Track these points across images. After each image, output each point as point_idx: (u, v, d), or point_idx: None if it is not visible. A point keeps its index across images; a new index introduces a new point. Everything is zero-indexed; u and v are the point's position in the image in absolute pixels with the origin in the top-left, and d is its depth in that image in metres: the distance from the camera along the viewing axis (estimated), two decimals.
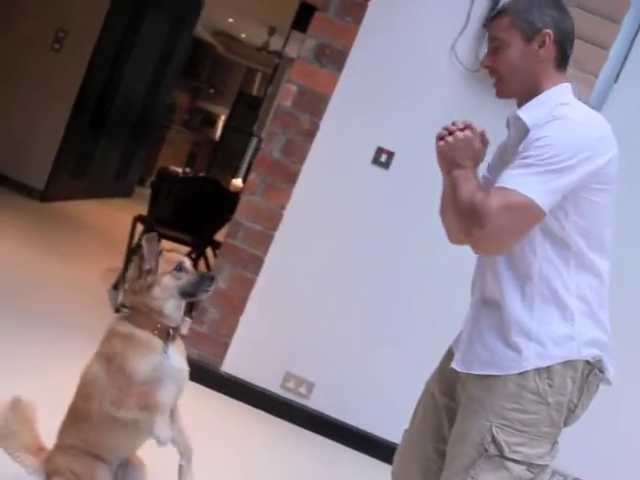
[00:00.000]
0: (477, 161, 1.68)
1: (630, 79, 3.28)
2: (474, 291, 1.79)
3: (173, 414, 1.96)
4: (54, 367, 3.17)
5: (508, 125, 1.75)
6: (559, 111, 1.59)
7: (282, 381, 3.56)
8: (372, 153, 3.47)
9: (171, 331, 1.96)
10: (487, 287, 1.72)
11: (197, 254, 4.95)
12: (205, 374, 3.47)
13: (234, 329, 3.56)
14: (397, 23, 3.46)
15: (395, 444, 3.52)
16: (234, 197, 4.64)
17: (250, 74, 12.39)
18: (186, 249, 5.33)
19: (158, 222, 4.65)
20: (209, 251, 5.14)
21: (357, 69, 3.47)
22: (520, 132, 1.66)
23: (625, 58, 3.21)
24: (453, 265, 3.48)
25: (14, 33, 6.26)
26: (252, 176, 3.58)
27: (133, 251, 4.70)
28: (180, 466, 1.92)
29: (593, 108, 3.25)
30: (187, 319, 3.78)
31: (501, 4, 1.75)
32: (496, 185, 1.58)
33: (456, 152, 1.67)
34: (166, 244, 5.14)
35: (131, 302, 2.00)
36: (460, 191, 1.63)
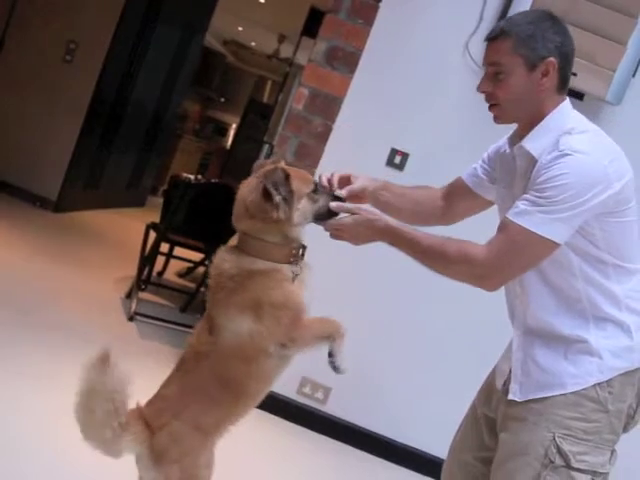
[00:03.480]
0: (380, 227, 1.69)
1: None
2: (515, 323, 1.75)
3: None
4: (69, 379, 3.14)
5: (510, 150, 1.72)
6: (565, 143, 1.54)
7: (298, 386, 3.52)
8: (386, 155, 3.44)
9: (302, 251, 1.80)
10: (531, 317, 1.69)
11: (211, 260, 4.93)
12: None
13: None
14: (409, 23, 3.43)
15: (411, 447, 3.51)
16: None
17: (260, 82, 12.40)
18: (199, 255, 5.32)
19: (171, 229, 4.63)
20: None
21: (369, 71, 3.44)
22: (527, 161, 1.63)
23: None
24: None
25: (25, 45, 6.29)
26: None
27: (146, 259, 4.68)
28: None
29: (611, 103, 3.22)
30: None
31: (499, 24, 1.66)
32: (505, 222, 1.58)
33: (359, 238, 1.73)
34: (178, 251, 5.16)
35: (256, 231, 1.75)
36: (433, 252, 1.64)
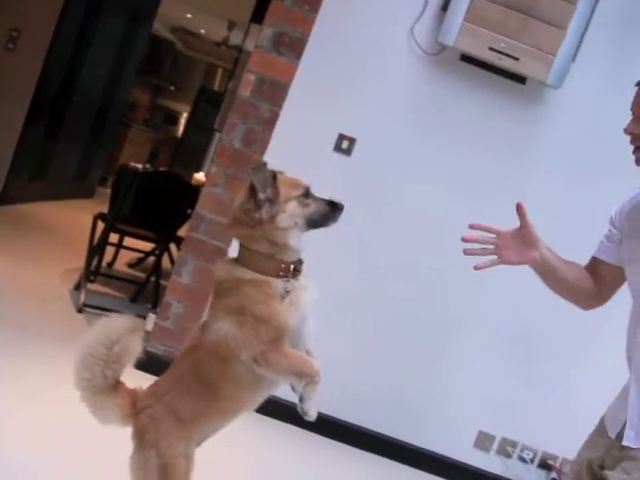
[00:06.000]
0: None
1: (587, 58, 3.30)
2: (633, 367, 1.68)
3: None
4: (23, 373, 3.08)
5: None
6: None
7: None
8: (334, 140, 3.44)
9: (296, 266, 1.74)
10: None
11: (160, 250, 4.89)
12: None
13: None
14: (354, 9, 3.44)
15: (398, 440, 3.52)
16: (197, 191, 4.58)
17: (211, 70, 12.28)
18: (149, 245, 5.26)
19: (119, 219, 4.57)
20: (173, 247, 5.07)
21: (316, 56, 3.44)
22: None
23: (582, 37, 3.23)
24: (423, 250, 3.47)
25: None
26: (213, 168, 3.53)
27: (94, 250, 4.61)
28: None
29: (552, 87, 3.28)
30: (151, 315, 3.72)
31: None
32: None
33: None
34: (128, 241, 5.09)
35: (244, 238, 1.74)
36: None
